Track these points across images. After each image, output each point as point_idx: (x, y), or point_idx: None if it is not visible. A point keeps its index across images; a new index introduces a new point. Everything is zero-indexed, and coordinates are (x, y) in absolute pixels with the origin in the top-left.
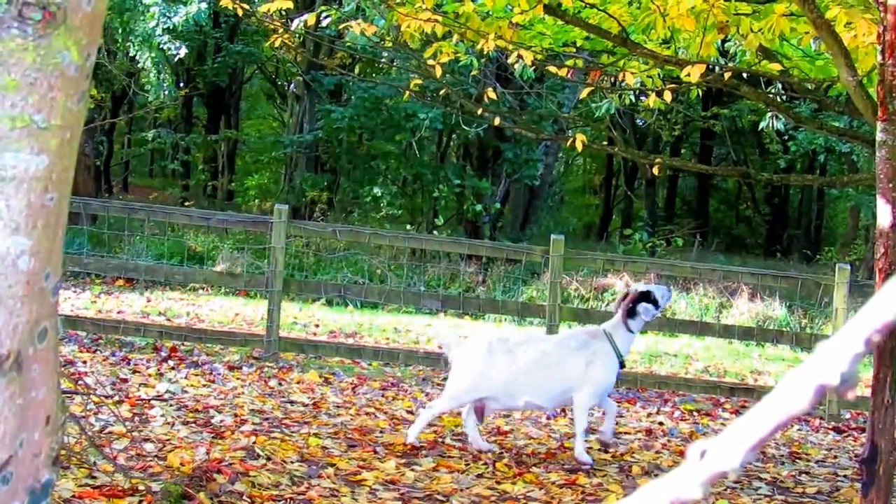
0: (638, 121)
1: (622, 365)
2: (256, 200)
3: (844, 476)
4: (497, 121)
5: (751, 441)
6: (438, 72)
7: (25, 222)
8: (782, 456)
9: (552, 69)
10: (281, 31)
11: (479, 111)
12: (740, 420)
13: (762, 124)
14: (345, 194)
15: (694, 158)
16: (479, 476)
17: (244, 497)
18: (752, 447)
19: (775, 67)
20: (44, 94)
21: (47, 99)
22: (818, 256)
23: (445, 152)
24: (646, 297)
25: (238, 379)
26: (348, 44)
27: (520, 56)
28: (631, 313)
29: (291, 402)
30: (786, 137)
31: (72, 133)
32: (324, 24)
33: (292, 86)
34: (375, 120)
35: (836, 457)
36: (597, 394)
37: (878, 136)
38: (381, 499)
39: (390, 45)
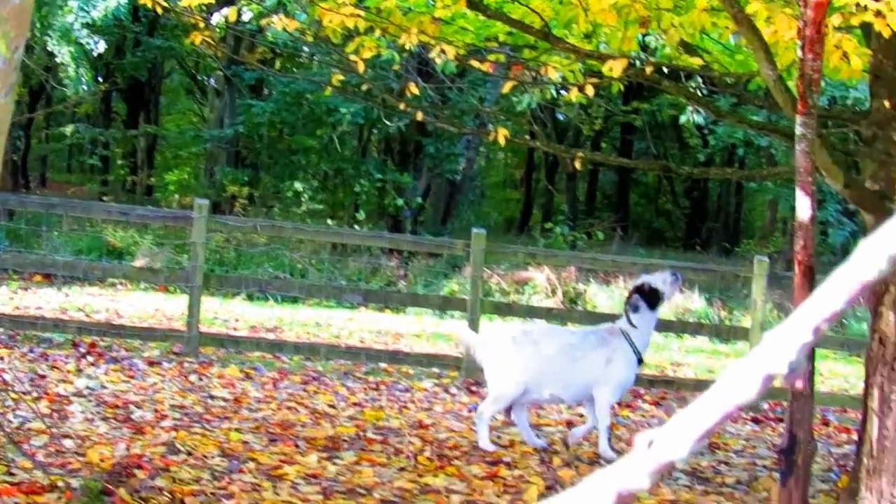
0: (559, 115)
1: (640, 362)
2: (176, 195)
3: (763, 466)
4: (420, 116)
5: (698, 431)
6: (360, 67)
7: None
8: (702, 446)
9: (475, 64)
10: (202, 27)
11: (403, 106)
12: (688, 410)
13: (682, 118)
14: (265, 189)
15: (614, 152)
16: (401, 469)
17: (165, 492)
18: (700, 437)
19: (696, 62)
20: None
21: None
22: (737, 249)
23: (366, 147)
24: (640, 289)
25: (158, 374)
26: (269, 39)
27: (443, 51)
28: (635, 309)
29: (212, 397)
30: (705, 131)
31: (2, 125)
32: (245, 18)
33: (212, 81)
34: (297, 115)
35: (754, 447)
36: (618, 391)
37: (798, 130)
38: (302, 493)
39: (311, 39)
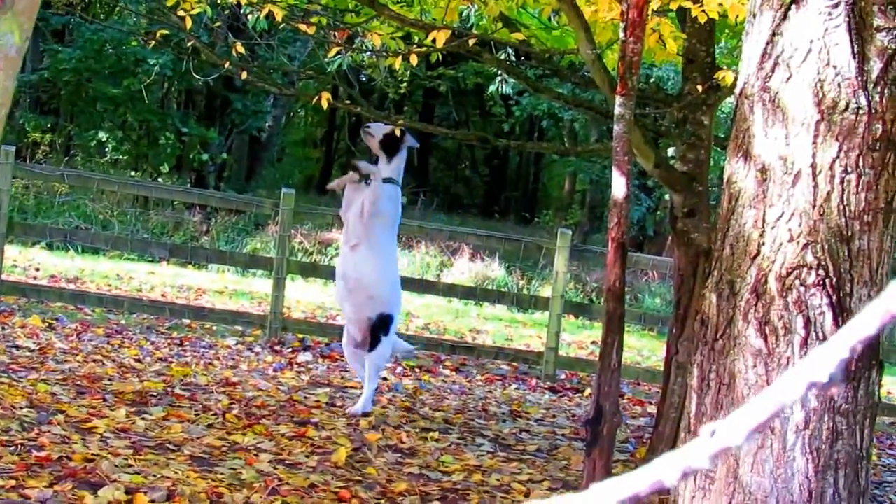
0: (362, 76)
1: None
2: None
3: (562, 435)
4: (244, 75)
5: (753, 424)
6: (188, 23)
7: None
8: (503, 414)
9: (301, 27)
10: None
11: (226, 63)
12: (745, 407)
13: (491, 88)
14: (67, 137)
15: (416, 116)
16: (210, 426)
17: None
18: (754, 429)
19: (518, 36)
20: None
21: None
22: (536, 219)
23: (168, 99)
24: None
25: None
26: None
27: (271, 12)
28: None
29: (17, 347)
30: (511, 101)
31: (5, 109)
32: None
33: None
34: (103, 63)
35: (554, 416)
36: None
37: (617, 110)
38: (112, 447)
39: None
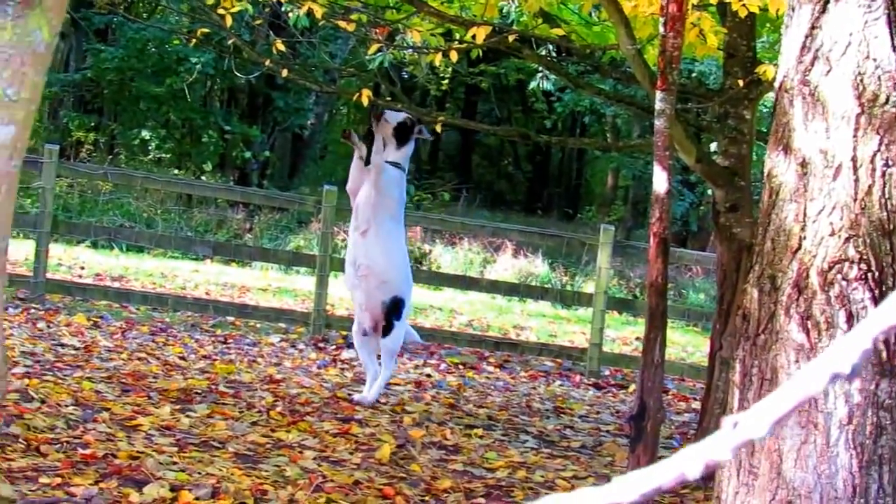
0: (404, 73)
1: None
2: None
3: (607, 431)
4: (285, 72)
5: (775, 416)
6: (228, 21)
7: None
8: (547, 410)
9: (340, 24)
10: None
11: (267, 61)
12: (768, 399)
13: (532, 84)
14: (111, 136)
15: (459, 113)
16: (254, 424)
17: (20, 440)
18: (777, 421)
19: (558, 32)
20: (17, 69)
21: (19, 74)
22: (578, 215)
23: (210, 97)
24: None
25: (5, 320)
26: None
27: (311, 10)
28: None
29: (62, 345)
30: (553, 98)
31: (34, 105)
32: None
33: None
34: (145, 62)
35: (598, 412)
36: None
37: (657, 105)
38: (157, 444)
39: None
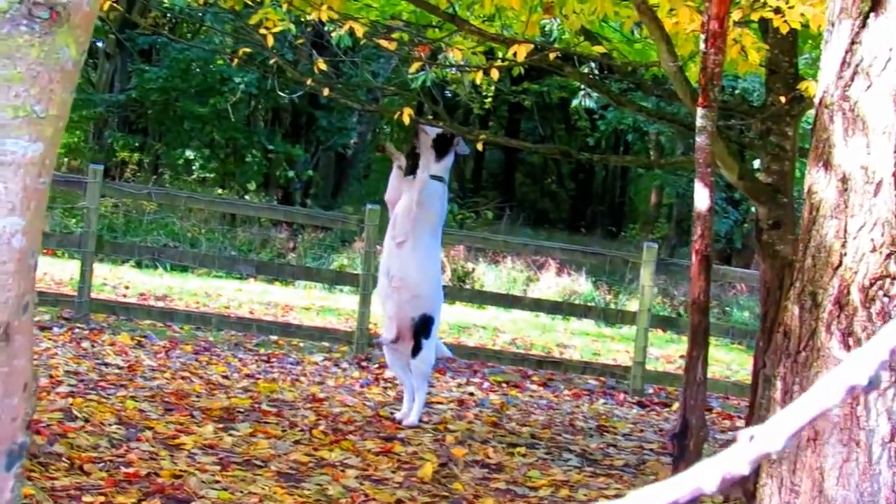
0: (447, 92)
1: None
2: (66, 159)
3: (650, 450)
4: (326, 91)
5: (791, 429)
6: (270, 41)
7: (21, 204)
8: (590, 429)
9: (382, 42)
10: None
11: (308, 81)
12: (785, 412)
13: (574, 102)
14: (155, 156)
15: (502, 132)
16: (297, 442)
17: (63, 458)
18: (793, 434)
19: (599, 49)
20: (44, 86)
21: (47, 91)
22: (622, 233)
23: (254, 117)
24: None
25: (50, 339)
26: (164, 4)
27: (351, 28)
28: None
29: (106, 365)
30: (595, 116)
31: (63, 122)
32: None
33: (102, 43)
34: (189, 82)
35: (641, 430)
36: None
37: (698, 122)
38: (200, 463)
39: (202, 5)
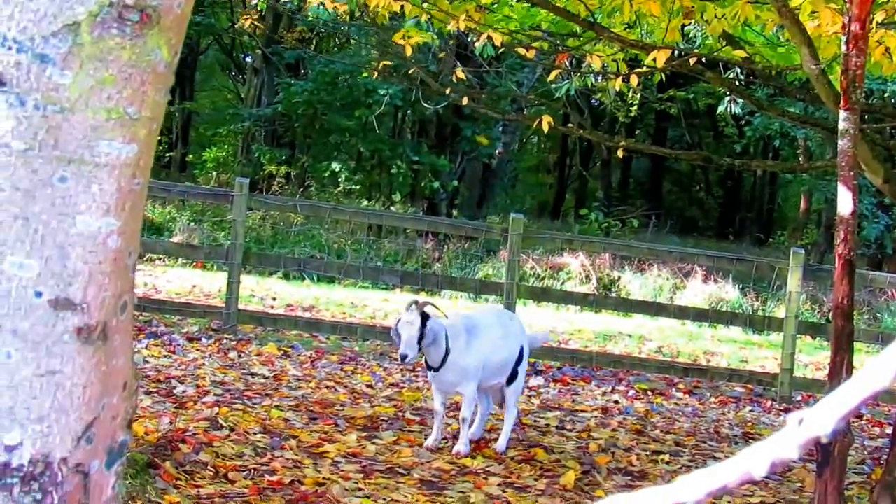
0: (592, 101)
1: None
2: (214, 173)
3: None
4: (465, 101)
5: (841, 412)
6: (408, 51)
7: (116, 205)
8: (736, 436)
9: (520, 51)
10: (251, 12)
11: (448, 91)
12: (832, 395)
13: (720, 108)
14: (302, 168)
15: (649, 139)
16: (439, 450)
17: (209, 467)
18: (842, 417)
19: (740, 54)
20: (136, 88)
21: (139, 93)
22: (771, 240)
23: (401, 129)
24: None
25: (198, 350)
26: (309, 18)
27: (490, 38)
28: None
29: (252, 374)
30: (742, 122)
31: (157, 124)
32: None
33: (250, 58)
34: (335, 95)
35: None
36: None
37: (841, 125)
38: (343, 471)
39: (347, 19)
